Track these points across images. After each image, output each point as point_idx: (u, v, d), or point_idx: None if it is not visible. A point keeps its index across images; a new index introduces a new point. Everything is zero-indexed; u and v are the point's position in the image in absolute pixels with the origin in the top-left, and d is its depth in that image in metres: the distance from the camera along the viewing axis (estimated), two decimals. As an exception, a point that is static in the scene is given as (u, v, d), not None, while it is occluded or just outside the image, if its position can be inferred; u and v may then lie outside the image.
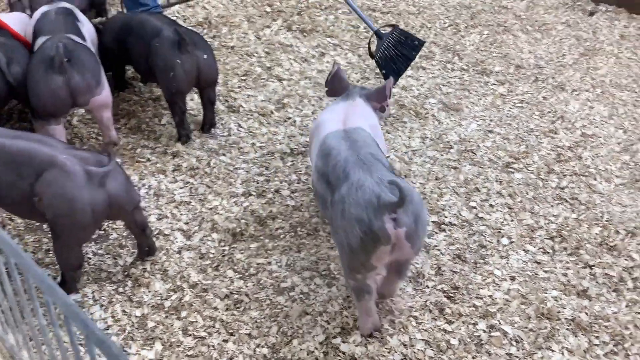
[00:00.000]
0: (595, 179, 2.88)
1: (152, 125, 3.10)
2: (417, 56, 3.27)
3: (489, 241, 2.55)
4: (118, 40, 2.98)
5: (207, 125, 3.03)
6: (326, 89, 2.59)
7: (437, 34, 3.95)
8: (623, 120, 3.26)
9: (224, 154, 2.94)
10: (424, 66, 3.65)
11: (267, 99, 3.32)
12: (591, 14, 4.27)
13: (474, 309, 2.24)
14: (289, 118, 3.21)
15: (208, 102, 2.96)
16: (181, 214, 2.61)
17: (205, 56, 2.81)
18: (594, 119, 3.26)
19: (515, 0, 4.39)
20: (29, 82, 2.60)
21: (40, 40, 2.71)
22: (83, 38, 2.76)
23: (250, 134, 3.08)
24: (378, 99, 2.50)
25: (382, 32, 3.24)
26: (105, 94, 2.68)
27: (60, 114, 2.64)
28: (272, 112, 3.23)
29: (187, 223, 2.57)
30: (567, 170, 2.92)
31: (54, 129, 2.63)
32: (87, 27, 2.92)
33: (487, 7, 4.30)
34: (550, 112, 3.32)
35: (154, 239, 2.42)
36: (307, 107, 3.29)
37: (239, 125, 3.13)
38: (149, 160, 2.88)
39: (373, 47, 3.30)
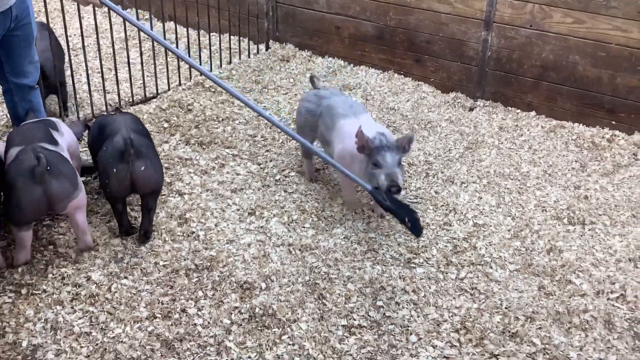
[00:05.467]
0: (491, 267, 3.02)
1: (47, 253, 2.99)
2: None
3: (398, 340, 2.59)
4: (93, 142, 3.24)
5: (142, 232, 3.06)
6: None
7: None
8: (510, 208, 3.48)
9: (125, 277, 2.86)
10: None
11: (169, 215, 3.30)
12: (471, 109, 4.62)
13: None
14: (192, 232, 3.19)
15: (145, 209, 3.06)
16: (81, 347, 2.48)
17: (142, 168, 2.91)
18: (483, 209, 3.46)
19: (401, 101, 4.70)
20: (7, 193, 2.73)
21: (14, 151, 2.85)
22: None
23: (153, 252, 3.03)
24: None
25: None
26: (82, 195, 2.85)
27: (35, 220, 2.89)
28: (174, 228, 3.20)
29: (87, 356, 2.44)
30: (465, 260, 3.06)
31: (24, 235, 2.81)
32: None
33: (375, 109, 4.56)
34: (443, 205, 3.49)
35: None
36: (210, 219, 3.29)
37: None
38: (44, 291, 2.75)
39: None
